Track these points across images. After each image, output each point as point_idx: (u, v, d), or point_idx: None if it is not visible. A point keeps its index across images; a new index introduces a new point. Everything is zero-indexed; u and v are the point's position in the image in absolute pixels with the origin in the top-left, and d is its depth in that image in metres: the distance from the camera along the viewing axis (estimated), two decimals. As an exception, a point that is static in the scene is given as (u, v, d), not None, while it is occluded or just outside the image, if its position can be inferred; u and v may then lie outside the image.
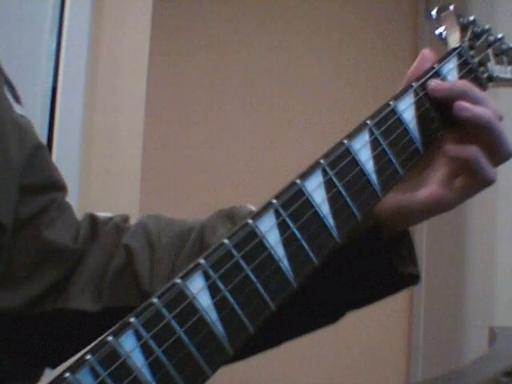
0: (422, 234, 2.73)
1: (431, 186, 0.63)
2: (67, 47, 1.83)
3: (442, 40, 0.72)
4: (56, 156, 1.76)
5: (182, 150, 2.60)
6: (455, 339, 2.54)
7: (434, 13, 0.72)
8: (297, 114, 2.76)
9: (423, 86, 0.63)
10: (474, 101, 0.62)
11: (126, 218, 0.75)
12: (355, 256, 0.66)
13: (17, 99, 0.71)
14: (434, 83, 0.63)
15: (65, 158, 1.75)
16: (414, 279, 0.68)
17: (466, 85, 0.64)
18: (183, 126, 2.62)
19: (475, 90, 0.64)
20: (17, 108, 0.69)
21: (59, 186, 0.73)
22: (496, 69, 0.71)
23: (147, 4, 2.01)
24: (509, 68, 0.72)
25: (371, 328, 2.67)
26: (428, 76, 0.64)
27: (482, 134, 0.62)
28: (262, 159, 2.64)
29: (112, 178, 1.92)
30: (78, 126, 1.86)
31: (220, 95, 2.68)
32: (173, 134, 2.60)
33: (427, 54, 0.67)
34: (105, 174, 1.91)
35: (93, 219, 0.73)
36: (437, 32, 0.73)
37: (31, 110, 0.73)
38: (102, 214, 0.76)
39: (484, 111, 0.62)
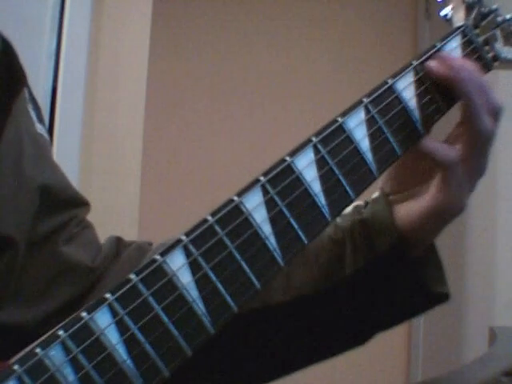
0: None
1: (432, 189, 0.61)
2: (67, 47, 1.83)
3: (448, 21, 0.69)
4: (56, 156, 1.76)
5: (182, 149, 2.60)
6: (455, 339, 2.54)
7: None
8: (297, 113, 2.75)
9: (423, 67, 0.61)
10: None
11: (149, 243, 0.74)
12: (383, 274, 0.64)
13: (40, 119, 0.70)
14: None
15: (65, 158, 1.75)
16: (443, 298, 0.66)
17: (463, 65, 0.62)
18: (183, 125, 2.62)
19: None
20: (38, 127, 0.69)
21: (80, 203, 0.72)
22: (504, 50, 0.68)
23: (147, 4, 2.01)
24: None
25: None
26: (429, 54, 0.62)
27: (461, 99, 0.60)
28: (262, 159, 2.64)
29: (112, 178, 1.92)
30: (77, 126, 1.86)
31: (220, 95, 2.68)
32: (173, 134, 2.60)
33: None
34: (105, 174, 1.91)
35: (117, 239, 0.73)
36: (442, 13, 0.70)
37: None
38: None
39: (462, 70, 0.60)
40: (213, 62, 2.67)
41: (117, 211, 1.89)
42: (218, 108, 2.67)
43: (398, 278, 0.64)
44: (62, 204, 0.68)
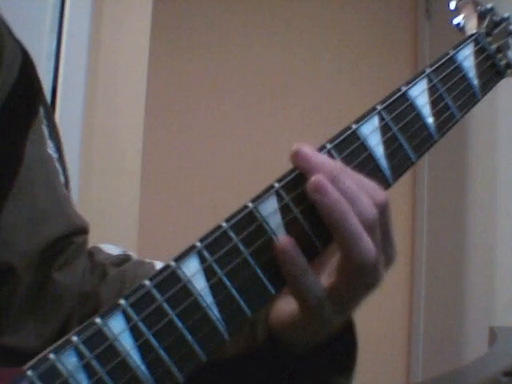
0: (423, 234, 2.73)
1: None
2: (67, 47, 1.83)
3: (460, 30, 0.70)
4: (56, 156, 1.76)
5: (182, 149, 2.60)
6: (455, 339, 2.54)
7: (452, 2, 0.70)
8: (297, 114, 2.76)
9: (437, 73, 0.61)
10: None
11: (125, 258, 0.71)
12: (260, 363, 0.57)
13: (51, 136, 0.69)
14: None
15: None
16: None
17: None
18: (183, 125, 2.62)
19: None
20: (49, 145, 0.68)
21: (79, 231, 0.70)
22: None
23: (147, 4, 2.01)
24: None
25: (371, 328, 2.67)
26: (442, 62, 0.62)
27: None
28: (262, 159, 2.64)
29: (112, 178, 1.92)
30: (77, 125, 1.86)
31: (220, 95, 2.68)
32: (173, 134, 2.60)
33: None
34: (105, 174, 1.91)
35: (91, 257, 0.70)
36: (455, 21, 0.70)
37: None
38: (106, 248, 0.72)
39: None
40: (213, 61, 2.67)
41: (117, 211, 1.89)
42: (218, 108, 2.67)
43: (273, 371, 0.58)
44: (64, 236, 0.67)
